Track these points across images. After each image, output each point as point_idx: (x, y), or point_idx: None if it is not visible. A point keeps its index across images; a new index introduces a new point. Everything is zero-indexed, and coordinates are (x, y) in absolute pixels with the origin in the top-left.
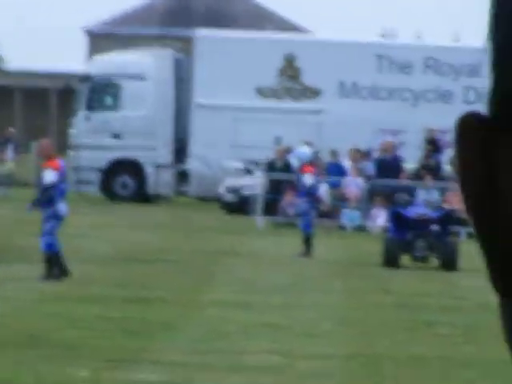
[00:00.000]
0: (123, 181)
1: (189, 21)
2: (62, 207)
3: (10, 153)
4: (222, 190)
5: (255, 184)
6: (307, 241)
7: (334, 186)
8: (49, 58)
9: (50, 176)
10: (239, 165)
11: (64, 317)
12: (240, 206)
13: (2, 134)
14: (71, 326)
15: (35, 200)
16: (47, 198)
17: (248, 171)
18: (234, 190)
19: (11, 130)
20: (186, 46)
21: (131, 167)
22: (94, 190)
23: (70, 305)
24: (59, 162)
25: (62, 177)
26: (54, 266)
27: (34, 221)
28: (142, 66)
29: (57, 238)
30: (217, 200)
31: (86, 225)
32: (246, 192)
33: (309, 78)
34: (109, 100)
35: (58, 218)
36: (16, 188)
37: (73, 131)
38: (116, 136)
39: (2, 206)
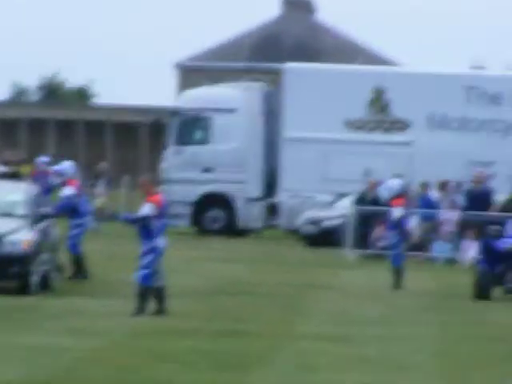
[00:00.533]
0: (214, 214)
1: (278, 54)
2: (160, 242)
3: (101, 187)
4: (301, 222)
5: (336, 216)
6: (397, 273)
7: (425, 218)
8: (140, 93)
9: (147, 209)
10: (329, 198)
11: (155, 351)
12: (320, 238)
13: (93, 169)
14: (162, 361)
15: (130, 217)
16: (139, 226)
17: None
18: (314, 222)
19: (103, 164)
20: (275, 79)
21: (221, 201)
22: (184, 224)
23: (162, 339)
24: (160, 197)
25: (163, 212)
26: (148, 300)
27: (125, 255)
28: (232, 99)
29: (154, 272)
30: (296, 232)
31: (177, 259)
32: (327, 224)
33: (398, 110)
34: (199, 134)
35: (156, 252)
36: (107, 222)
37: (163, 165)
38: (206, 170)
39: (94, 240)
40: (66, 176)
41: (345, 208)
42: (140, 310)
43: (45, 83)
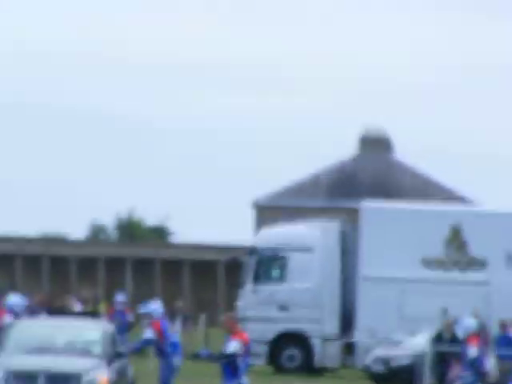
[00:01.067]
0: (290, 353)
1: (355, 192)
2: (244, 381)
3: (178, 325)
4: (369, 360)
5: (405, 354)
6: None
7: (503, 358)
8: (217, 231)
9: (234, 346)
10: (406, 337)
11: None
12: (389, 377)
13: (170, 307)
14: None
15: (215, 355)
16: (225, 364)
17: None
18: (383, 361)
19: (179, 303)
20: (351, 217)
21: (298, 339)
22: (261, 363)
23: None
24: (245, 335)
25: (247, 350)
26: None
27: None
28: (309, 238)
29: None
30: (364, 371)
31: None
32: (396, 363)
33: (475, 249)
34: (275, 272)
35: None
36: (185, 361)
37: (240, 303)
38: (283, 308)
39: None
40: (154, 317)
41: (415, 346)
42: None
43: (122, 222)
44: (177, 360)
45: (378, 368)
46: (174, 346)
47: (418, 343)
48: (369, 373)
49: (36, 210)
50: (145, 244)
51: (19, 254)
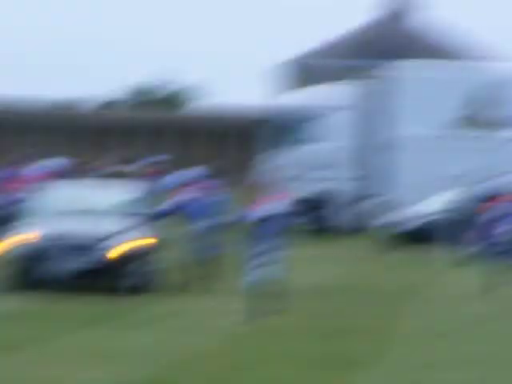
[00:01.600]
0: (327, 213)
1: (389, 51)
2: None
3: None
4: (397, 220)
5: (432, 212)
6: (497, 275)
7: None
8: (250, 92)
9: (279, 206)
10: (446, 198)
11: (269, 350)
12: (418, 235)
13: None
14: (275, 359)
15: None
16: (260, 226)
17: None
18: (409, 220)
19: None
20: (379, 76)
21: (335, 199)
22: (301, 222)
23: (275, 337)
24: (286, 195)
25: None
26: (261, 300)
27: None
28: (343, 97)
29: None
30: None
31: (292, 258)
32: (423, 221)
33: None
34: (311, 132)
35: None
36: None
37: (278, 164)
38: (320, 168)
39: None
40: (190, 180)
41: (442, 204)
42: (253, 311)
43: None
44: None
45: (406, 227)
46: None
47: (445, 200)
48: (398, 232)
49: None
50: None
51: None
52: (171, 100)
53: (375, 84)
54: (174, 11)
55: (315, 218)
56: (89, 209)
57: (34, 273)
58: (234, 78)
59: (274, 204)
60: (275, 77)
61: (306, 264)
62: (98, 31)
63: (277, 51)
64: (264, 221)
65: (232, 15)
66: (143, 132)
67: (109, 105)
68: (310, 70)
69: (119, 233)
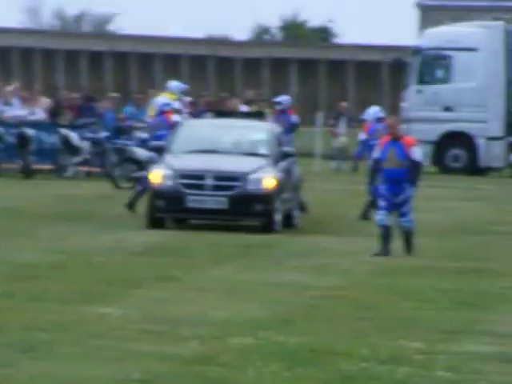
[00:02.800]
0: (455, 153)
1: None
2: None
3: (342, 127)
4: None
5: None
6: None
7: None
8: (381, 32)
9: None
10: None
11: (397, 289)
12: None
13: (334, 109)
14: (405, 299)
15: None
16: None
17: None
18: None
19: (344, 104)
20: None
21: (463, 140)
22: (426, 163)
23: (404, 277)
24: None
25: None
26: (391, 240)
27: (364, 194)
28: (473, 38)
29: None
30: None
31: (420, 197)
32: None
33: None
34: (440, 73)
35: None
36: (349, 161)
37: (404, 105)
38: (447, 109)
39: (335, 179)
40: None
41: None
42: (383, 251)
43: (286, 23)
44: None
45: None
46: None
47: None
48: None
49: (201, 12)
50: (309, 45)
51: (185, 55)
52: (311, 36)
53: (505, 25)
54: None
55: (442, 158)
56: (219, 147)
57: (181, 206)
58: (357, 17)
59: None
60: (406, 17)
61: (437, 204)
62: None
63: None
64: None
65: None
66: (294, 65)
67: (259, 37)
68: (442, 9)
69: (261, 168)
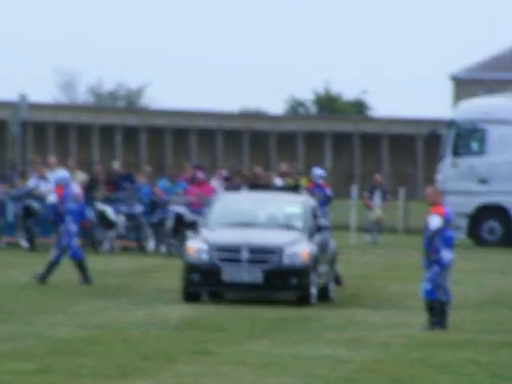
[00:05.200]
0: (490, 226)
1: None
2: (446, 254)
3: (377, 199)
4: None
5: None
6: None
7: None
8: (414, 105)
9: (435, 222)
10: None
11: (432, 362)
12: None
13: (369, 181)
14: (441, 372)
15: (425, 247)
16: (432, 244)
17: None
18: None
19: (378, 176)
20: None
21: (498, 212)
22: (461, 236)
23: (439, 350)
24: (444, 208)
25: (447, 223)
26: (435, 312)
27: (405, 266)
28: (508, 110)
29: (439, 285)
30: None
31: (455, 270)
32: None
33: None
34: (475, 145)
35: (442, 265)
36: (384, 234)
37: (439, 177)
38: (482, 181)
39: (372, 251)
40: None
41: None
42: (434, 324)
43: (320, 96)
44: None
45: None
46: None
47: None
48: None
49: (236, 86)
50: (344, 118)
51: (220, 129)
52: (345, 109)
53: None
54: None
55: (478, 230)
56: (254, 221)
57: (216, 280)
58: (391, 90)
59: (436, 218)
60: (440, 90)
61: (473, 276)
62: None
63: (446, 62)
64: (430, 233)
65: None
66: (328, 138)
67: (293, 111)
68: (476, 82)
69: (296, 242)
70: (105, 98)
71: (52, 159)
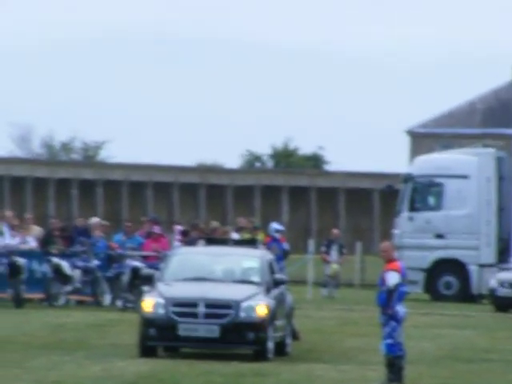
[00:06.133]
0: (447, 280)
1: (510, 119)
2: (401, 310)
3: (334, 254)
4: (493, 284)
5: None
6: None
7: None
8: (371, 159)
9: (393, 278)
10: None
11: None
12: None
13: (326, 235)
14: None
15: (383, 303)
16: (391, 300)
17: None
18: (510, 285)
19: (335, 231)
20: (507, 144)
21: (455, 267)
22: (417, 290)
23: None
24: (400, 264)
25: (402, 279)
26: (394, 369)
27: (361, 321)
28: (465, 165)
29: (397, 341)
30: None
31: (411, 325)
32: None
33: None
34: (431, 200)
35: (397, 320)
36: (340, 289)
37: (396, 231)
38: (439, 236)
39: (327, 306)
40: None
41: None
42: (393, 380)
43: (277, 151)
44: None
45: (503, 292)
46: None
47: None
48: (492, 297)
49: (192, 140)
50: (300, 172)
51: (176, 183)
52: (302, 164)
53: (495, 152)
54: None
55: (434, 285)
56: (211, 275)
57: (173, 335)
58: (347, 145)
59: (393, 274)
60: (396, 144)
61: (429, 331)
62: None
63: (402, 117)
64: (388, 290)
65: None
66: (285, 192)
67: (250, 164)
68: (433, 137)
69: (253, 296)
70: (57, 150)
71: (7, 213)
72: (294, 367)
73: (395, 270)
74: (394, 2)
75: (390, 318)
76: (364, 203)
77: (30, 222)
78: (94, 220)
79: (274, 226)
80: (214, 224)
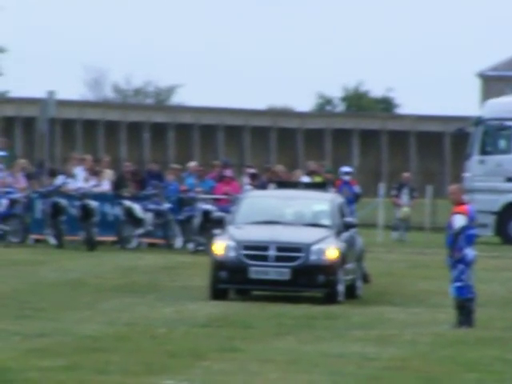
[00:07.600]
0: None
1: None
2: (470, 253)
3: (404, 197)
4: None
5: None
6: None
7: None
8: (442, 103)
9: (459, 221)
10: None
11: (460, 360)
12: None
13: (397, 179)
14: (469, 370)
15: (450, 246)
16: (457, 243)
17: None
18: None
19: (406, 174)
20: None
21: None
22: (488, 234)
23: (467, 348)
24: (468, 207)
25: (471, 222)
26: (464, 311)
27: (431, 264)
28: None
29: (467, 283)
30: None
31: (481, 268)
32: None
33: None
34: (502, 143)
35: (466, 263)
36: (411, 232)
37: (467, 175)
38: (510, 179)
39: (398, 250)
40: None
41: None
42: (463, 322)
43: (348, 93)
44: None
45: None
46: None
47: None
48: None
49: (263, 83)
50: (371, 116)
51: (247, 126)
52: (372, 106)
53: None
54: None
55: (505, 228)
56: (281, 218)
57: (244, 277)
58: (418, 87)
59: (460, 217)
60: (467, 87)
61: (500, 275)
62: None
63: (473, 60)
64: (455, 232)
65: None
66: (355, 135)
67: (321, 108)
68: (504, 80)
69: (324, 239)
70: (130, 95)
71: (87, 157)
72: (365, 310)
73: (462, 213)
74: None
75: (458, 260)
76: (435, 146)
77: (106, 164)
78: (191, 164)
79: (343, 168)
80: (279, 168)
